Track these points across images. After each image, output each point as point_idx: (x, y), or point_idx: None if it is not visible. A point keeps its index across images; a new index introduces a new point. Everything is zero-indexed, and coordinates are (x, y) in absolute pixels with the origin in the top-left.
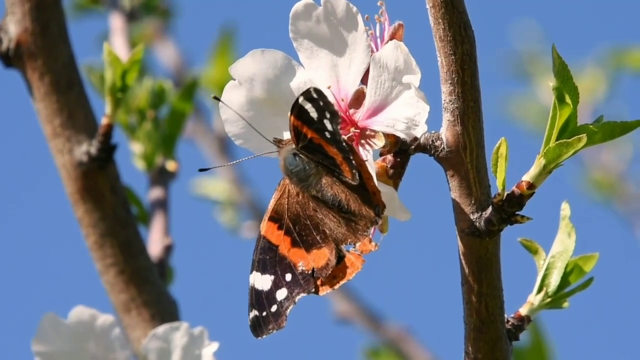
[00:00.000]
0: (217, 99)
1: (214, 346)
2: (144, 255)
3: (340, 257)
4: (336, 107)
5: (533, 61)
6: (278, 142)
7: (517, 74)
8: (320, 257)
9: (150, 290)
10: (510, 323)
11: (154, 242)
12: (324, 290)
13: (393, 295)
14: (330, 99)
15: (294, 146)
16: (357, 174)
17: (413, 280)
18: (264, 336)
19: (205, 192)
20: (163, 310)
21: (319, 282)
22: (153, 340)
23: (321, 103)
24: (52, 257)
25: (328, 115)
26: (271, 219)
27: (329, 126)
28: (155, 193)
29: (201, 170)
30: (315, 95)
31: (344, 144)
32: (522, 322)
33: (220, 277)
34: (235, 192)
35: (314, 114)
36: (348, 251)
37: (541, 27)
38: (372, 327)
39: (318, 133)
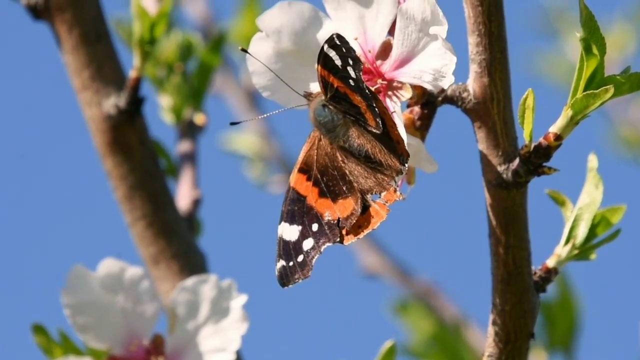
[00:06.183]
0: (245, 51)
1: (242, 298)
2: (172, 207)
3: (366, 207)
4: (363, 59)
5: (561, 17)
6: (308, 95)
7: (544, 31)
8: (346, 206)
9: (179, 242)
10: (537, 275)
11: (183, 195)
12: (349, 240)
13: (421, 249)
14: (357, 50)
15: (323, 97)
16: (380, 122)
17: (440, 233)
18: (290, 285)
19: (234, 146)
20: (192, 262)
21: (344, 232)
22: (182, 293)
23: (344, 49)
24: (81, 210)
25: (351, 62)
26: (300, 170)
27: (352, 73)
28: (184, 146)
29: (232, 123)
30: (338, 42)
31: (367, 91)
32: (549, 273)
33: (249, 231)
34: (264, 146)
35: (337, 61)
36: (374, 201)
37: None
38: (400, 281)
39: (343, 81)
